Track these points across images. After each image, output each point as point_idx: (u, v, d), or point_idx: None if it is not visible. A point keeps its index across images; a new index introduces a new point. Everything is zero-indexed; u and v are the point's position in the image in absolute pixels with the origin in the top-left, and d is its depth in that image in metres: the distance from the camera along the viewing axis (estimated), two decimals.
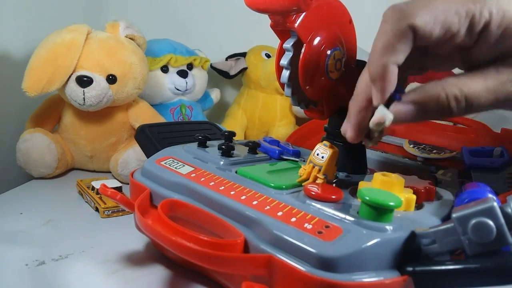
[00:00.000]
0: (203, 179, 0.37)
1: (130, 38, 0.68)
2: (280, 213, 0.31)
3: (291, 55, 0.36)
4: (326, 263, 0.27)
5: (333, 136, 0.41)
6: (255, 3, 0.33)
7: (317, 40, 0.36)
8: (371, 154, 0.54)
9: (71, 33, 0.62)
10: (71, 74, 0.61)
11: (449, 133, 0.67)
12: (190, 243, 0.29)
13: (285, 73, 0.36)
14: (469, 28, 0.29)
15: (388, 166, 0.52)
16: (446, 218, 0.32)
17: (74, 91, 0.60)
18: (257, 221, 0.31)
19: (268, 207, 0.32)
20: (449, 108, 0.30)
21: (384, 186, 0.33)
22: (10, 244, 0.43)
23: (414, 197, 0.33)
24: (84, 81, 0.60)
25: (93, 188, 0.54)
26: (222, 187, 0.35)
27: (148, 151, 0.47)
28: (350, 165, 0.40)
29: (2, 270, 0.38)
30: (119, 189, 0.55)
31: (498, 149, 0.56)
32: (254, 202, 0.33)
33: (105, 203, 0.51)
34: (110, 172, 0.66)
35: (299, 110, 0.84)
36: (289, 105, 0.86)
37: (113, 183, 0.55)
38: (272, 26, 0.36)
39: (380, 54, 0.29)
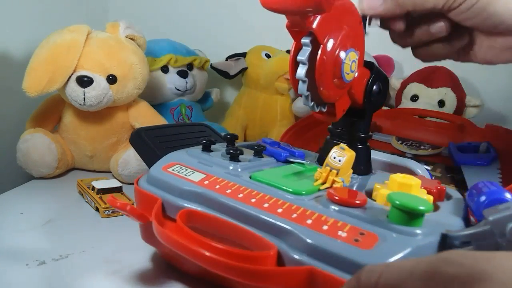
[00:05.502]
0: (218, 186, 0.35)
1: (130, 38, 0.67)
2: (309, 221, 0.30)
3: (309, 50, 0.34)
4: None
5: (337, 137, 0.41)
6: (272, 3, 0.32)
7: (334, 41, 0.34)
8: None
9: (72, 33, 0.62)
10: (72, 74, 0.61)
11: (434, 129, 0.68)
12: (221, 256, 0.28)
13: (302, 69, 0.34)
14: None
15: (387, 166, 0.52)
16: (465, 218, 0.32)
17: (74, 91, 0.60)
18: (288, 230, 0.29)
19: (295, 214, 0.30)
20: None
21: (402, 188, 0.33)
22: (10, 244, 0.43)
23: (431, 198, 0.33)
24: (85, 81, 0.60)
25: (93, 188, 0.54)
26: (241, 195, 0.34)
27: (146, 156, 0.45)
28: (356, 166, 0.40)
29: (2, 270, 0.38)
30: (119, 189, 0.55)
31: (484, 144, 0.57)
32: (279, 210, 0.31)
33: (105, 203, 0.51)
34: (110, 172, 0.66)
35: (299, 110, 0.84)
36: (289, 105, 0.86)
37: (113, 183, 0.55)
38: (289, 27, 0.35)
39: None
